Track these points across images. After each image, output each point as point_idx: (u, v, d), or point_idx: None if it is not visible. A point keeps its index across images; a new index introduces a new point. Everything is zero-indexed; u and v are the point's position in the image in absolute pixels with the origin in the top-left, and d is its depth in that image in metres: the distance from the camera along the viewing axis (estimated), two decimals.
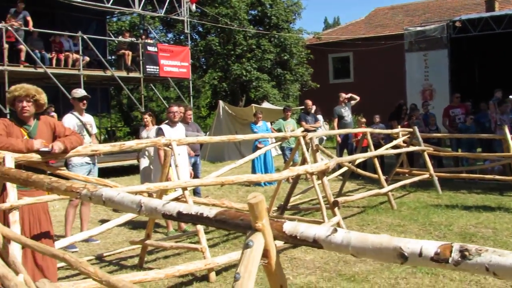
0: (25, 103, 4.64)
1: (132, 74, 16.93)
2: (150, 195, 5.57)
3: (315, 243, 2.10)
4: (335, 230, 2.07)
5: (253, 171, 11.85)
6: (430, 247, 1.82)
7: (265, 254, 2.21)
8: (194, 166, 8.72)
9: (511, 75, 21.57)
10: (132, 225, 7.94)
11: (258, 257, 2.14)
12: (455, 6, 26.06)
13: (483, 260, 1.71)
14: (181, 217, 2.59)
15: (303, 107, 14.90)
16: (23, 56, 13.99)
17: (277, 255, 2.28)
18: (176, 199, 5.74)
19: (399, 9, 29.19)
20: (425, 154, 10.59)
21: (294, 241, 2.19)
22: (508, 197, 9.85)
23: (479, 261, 1.71)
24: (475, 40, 19.96)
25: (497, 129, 11.62)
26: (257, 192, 2.24)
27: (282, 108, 15.38)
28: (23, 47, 13.80)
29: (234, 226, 2.37)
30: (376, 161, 9.24)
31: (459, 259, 1.75)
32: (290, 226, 2.19)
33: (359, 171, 9.48)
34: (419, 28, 19.96)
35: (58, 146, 4.60)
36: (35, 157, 4.52)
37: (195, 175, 8.47)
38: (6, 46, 13.39)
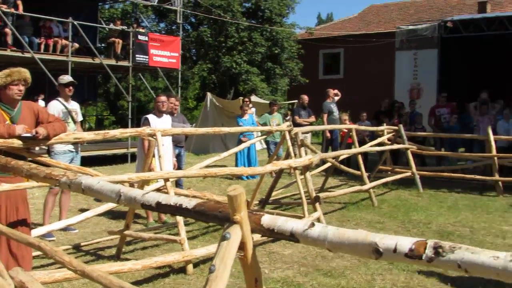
0: (21, 87, 4.58)
1: (121, 63, 16.78)
2: (132, 185, 5.56)
3: (292, 237, 2.11)
4: (312, 224, 2.08)
5: (236, 164, 11.85)
6: (405, 243, 1.84)
7: (242, 246, 2.21)
8: (178, 157, 8.69)
9: (499, 76, 21.81)
10: (111, 215, 7.89)
11: (234, 250, 2.14)
12: (447, 7, 26.17)
13: (456, 257, 1.72)
14: (160, 207, 2.59)
15: (294, 101, 14.95)
16: (9, 40, 13.79)
17: (253, 248, 2.28)
18: (158, 190, 5.73)
19: (393, 6, 29.22)
20: (409, 152, 10.68)
21: (272, 235, 2.20)
22: (487, 197, 10.01)
23: (452, 258, 1.73)
24: (466, 41, 20.10)
25: (475, 130, 11.86)
26: (238, 185, 2.24)
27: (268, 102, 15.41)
28: (9, 30, 13.59)
29: (212, 218, 2.37)
30: (360, 158, 9.30)
31: (433, 255, 1.76)
32: (268, 219, 2.20)
33: (342, 167, 9.52)
34: (411, 27, 20.03)
35: (41, 132, 4.54)
36: (17, 142, 4.45)
37: (179, 167, 8.44)
38: None
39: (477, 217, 8.19)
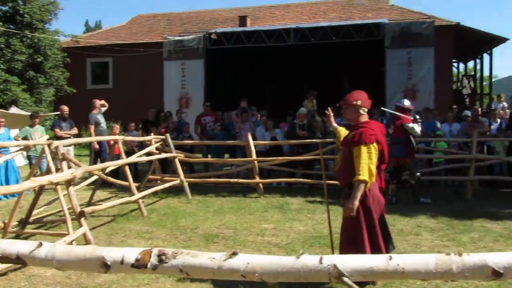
0: None
1: None
2: None
3: (19, 260, 2.00)
4: (40, 245, 1.99)
5: None
6: (132, 254, 1.87)
7: None
8: None
9: (258, 85, 23.70)
10: None
11: None
12: (212, 19, 27.45)
13: (178, 262, 1.81)
14: None
15: (58, 112, 14.24)
16: None
17: None
18: None
19: (161, 17, 29.62)
20: (176, 160, 10.97)
21: None
22: (250, 199, 10.77)
23: (174, 264, 1.81)
24: (229, 52, 21.43)
25: (237, 137, 12.72)
26: None
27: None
28: None
29: None
30: (127, 169, 9.23)
31: (157, 263, 1.83)
32: None
33: (110, 179, 9.37)
34: (177, 38, 20.65)
35: None
36: None
37: None
38: None
39: (241, 218, 8.74)
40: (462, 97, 25.89)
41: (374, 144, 4.85)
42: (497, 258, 1.61)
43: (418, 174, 10.18)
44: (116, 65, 25.12)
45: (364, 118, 5.08)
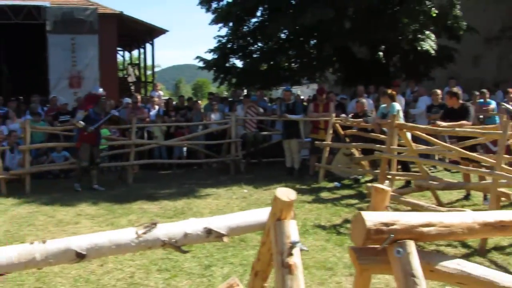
0: None
1: None
2: None
3: None
4: None
5: None
6: None
7: None
8: None
9: None
10: None
11: None
12: None
13: None
14: None
15: None
16: None
17: None
18: None
19: None
20: None
21: None
22: None
23: None
24: None
25: None
26: None
27: None
28: None
29: None
30: None
31: None
32: None
33: None
34: None
35: None
36: None
37: None
38: None
39: None
40: (128, 84, 26.74)
41: None
42: (80, 241, 1.68)
43: (86, 163, 10.22)
44: None
45: None
